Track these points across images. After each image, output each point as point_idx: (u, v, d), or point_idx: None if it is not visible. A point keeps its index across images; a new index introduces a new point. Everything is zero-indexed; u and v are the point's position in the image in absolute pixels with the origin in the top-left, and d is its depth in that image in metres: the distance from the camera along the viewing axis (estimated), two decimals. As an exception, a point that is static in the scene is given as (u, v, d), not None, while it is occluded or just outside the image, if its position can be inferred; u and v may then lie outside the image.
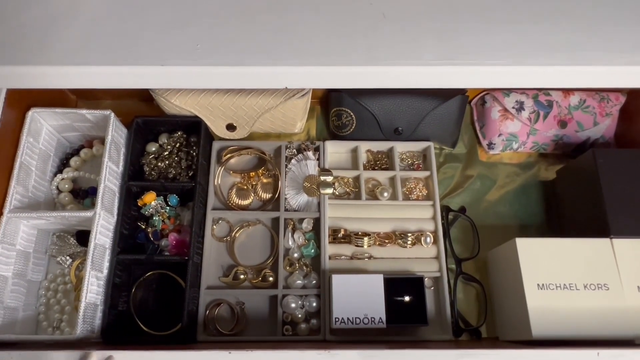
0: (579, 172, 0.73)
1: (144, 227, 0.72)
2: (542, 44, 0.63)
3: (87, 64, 0.60)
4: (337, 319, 0.64)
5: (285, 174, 0.77)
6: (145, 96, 0.78)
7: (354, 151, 0.81)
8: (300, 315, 0.69)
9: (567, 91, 0.80)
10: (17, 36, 0.62)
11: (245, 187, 0.78)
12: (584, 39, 0.63)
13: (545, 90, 0.80)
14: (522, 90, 0.80)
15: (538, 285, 0.62)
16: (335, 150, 0.81)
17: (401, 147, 0.81)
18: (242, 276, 0.71)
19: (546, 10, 0.66)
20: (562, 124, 0.79)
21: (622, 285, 0.61)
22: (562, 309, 0.60)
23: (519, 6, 0.66)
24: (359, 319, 0.64)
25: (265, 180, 0.78)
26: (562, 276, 0.62)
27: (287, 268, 0.72)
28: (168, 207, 0.73)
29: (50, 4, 0.64)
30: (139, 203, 0.71)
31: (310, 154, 0.78)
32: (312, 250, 0.73)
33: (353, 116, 0.78)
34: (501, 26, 0.64)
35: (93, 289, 0.62)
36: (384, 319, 0.64)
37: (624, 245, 0.64)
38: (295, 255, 0.73)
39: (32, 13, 0.64)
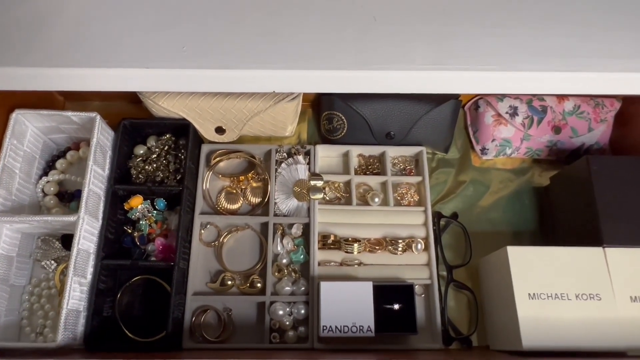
0: (572, 178, 0.72)
1: (130, 231, 0.71)
2: (536, 50, 0.62)
3: (71, 66, 0.59)
4: (325, 327, 0.63)
5: (275, 178, 0.76)
6: (133, 98, 0.77)
7: (345, 155, 0.80)
8: (288, 323, 0.68)
9: (561, 97, 0.79)
10: (1, 37, 0.61)
11: (234, 191, 0.76)
12: (578, 44, 0.62)
13: (540, 96, 0.79)
14: (516, 95, 0.79)
15: (529, 294, 0.61)
16: (326, 155, 0.80)
17: (393, 152, 0.80)
18: (229, 282, 0.70)
19: (540, 15, 0.64)
20: (556, 129, 0.78)
21: (614, 295, 0.60)
22: (553, 319, 0.59)
23: (513, 10, 0.65)
24: (348, 327, 0.63)
25: (254, 185, 0.77)
26: (553, 286, 0.61)
27: (276, 274, 0.71)
28: (155, 211, 0.72)
29: (35, 5, 0.63)
30: (126, 207, 0.70)
31: (300, 158, 0.76)
32: (302, 256, 0.72)
33: (344, 120, 0.76)
34: (494, 30, 0.63)
35: (75, 295, 0.60)
36: (372, 327, 0.63)
37: (617, 255, 0.63)
38: (284, 261, 0.72)
39: (16, 14, 0.63)
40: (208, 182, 0.76)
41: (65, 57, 0.59)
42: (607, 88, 0.62)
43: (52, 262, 0.70)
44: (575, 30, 0.63)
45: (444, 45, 0.61)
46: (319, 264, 0.71)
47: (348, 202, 0.76)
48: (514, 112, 0.78)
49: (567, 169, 0.74)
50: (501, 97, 0.79)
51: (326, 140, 0.80)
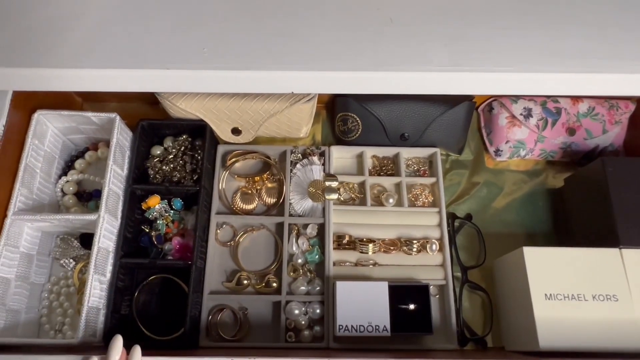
0: (587, 180, 0.72)
1: (147, 230, 0.71)
2: (552, 51, 0.62)
3: (92, 67, 0.60)
4: (340, 327, 0.64)
5: (290, 179, 0.76)
6: (151, 99, 0.78)
7: (360, 156, 0.81)
8: (303, 322, 0.68)
9: (575, 98, 0.79)
10: (23, 38, 0.62)
11: (249, 191, 0.77)
12: (594, 45, 0.62)
13: (554, 97, 0.79)
14: (530, 97, 0.79)
15: (545, 295, 0.61)
16: (341, 156, 0.81)
17: (407, 153, 0.80)
18: (245, 281, 0.71)
19: (556, 16, 0.65)
20: (571, 131, 0.78)
21: (631, 296, 0.60)
22: (570, 320, 0.59)
23: (529, 11, 0.65)
24: (363, 326, 0.64)
25: (270, 185, 0.78)
26: (570, 286, 0.61)
27: (291, 274, 0.71)
28: (172, 211, 0.72)
29: (56, 7, 0.64)
30: (143, 206, 0.71)
31: (315, 159, 0.77)
32: (317, 256, 0.72)
33: (359, 121, 0.77)
34: (510, 32, 0.63)
35: (96, 292, 0.61)
36: (388, 327, 0.64)
37: (634, 256, 0.62)
38: (299, 261, 0.72)
39: (38, 15, 0.64)
40: (224, 183, 0.76)
41: (86, 58, 0.60)
42: (624, 89, 0.62)
43: (71, 260, 0.71)
44: (592, 31, 0.63)
45: (460, 46, 0.61)
46: (334, 264, 0.71)
47: (362, 202, 0.77)
48: (528, 114, 0.78)
49: (582, 171, 0.74)
50: (515, 98, 0.79)
51: (340, 141, 0.81)
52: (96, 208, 0.67)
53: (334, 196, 0.74)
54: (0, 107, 0.64)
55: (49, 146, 0.71)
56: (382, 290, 0.66)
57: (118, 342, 0.50)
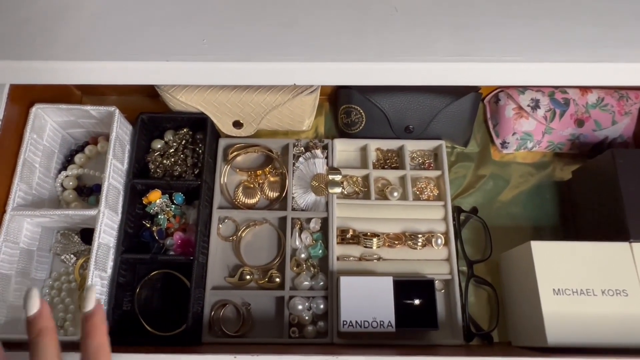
0: (596, 172, 0.70)
1: (148, 225, 0.71)
2: (561, 40, 0.60)
3: (91, 60, 0.59)
4: (345, 322, 0.63)
5: (293, 173, 0.75)
6: (151, 92, 0.77)
7: (364, 149, 0.79)
8: (307, 318, 0.67)
9: (584, 89, 0.77)
10: (20, 31, 0.61)
11: (251, 185, 0.76)
12: (604, 34, 0.61)
13: (562, 88, 0.77)
14: (538, 88, 0.77)
15: (554, 290, 0.60)
16: (344, 149, 0.80)
17: (412, 146, 0.79)
18: (248, 277, 0.70)
19: (565, 5, 0.63)
20: (579, 122, 0.77)
21: (641, 291, 0.59)
22: (578, 315, 0.58)
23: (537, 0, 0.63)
24: (368, 322, 0.63)
25: (272, 179, 0.77)
26: (578, 281, 0.60)
27: (294, 269, 0.71)
28: (173, 206, 0.71)
29: (53, -2, 0.63)
30: (144, 201, 0.70)
31: (318, 152, 0.76)
32: (320, 251, 0.71)
33: (363, 113, 0.76)
34: (518, 21, 0.61)
35: (97, 289, 0.61)
36: (393, 322, 0.63)
37: (644, 250, 0.61)
38: (303, 255, 0.71)
39: (35, 7, 0.63)
40: (226, 177, 0.75)
41: (84, 50, 0.59)
42: (635, 79, 0.60)
43: (72, 256, 0.70)
44: (601, 19, 0.62)
45: (466, 36, 0.60)
46: (338, 259, 0.70)
47: (366, 196, 0.76)
48: (535, 105, 0.76)
49: (590, 163, 0.72)
50: (522, 89, 0.78)
51: (344, 134, 0.80)
52: (96, 203, 0.66)
53: (338, 190, 0.73)
54: (-3, 101, 0.63)
55: (47, 140, 0.70)
56: (386, 285, 0.65)
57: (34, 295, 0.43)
